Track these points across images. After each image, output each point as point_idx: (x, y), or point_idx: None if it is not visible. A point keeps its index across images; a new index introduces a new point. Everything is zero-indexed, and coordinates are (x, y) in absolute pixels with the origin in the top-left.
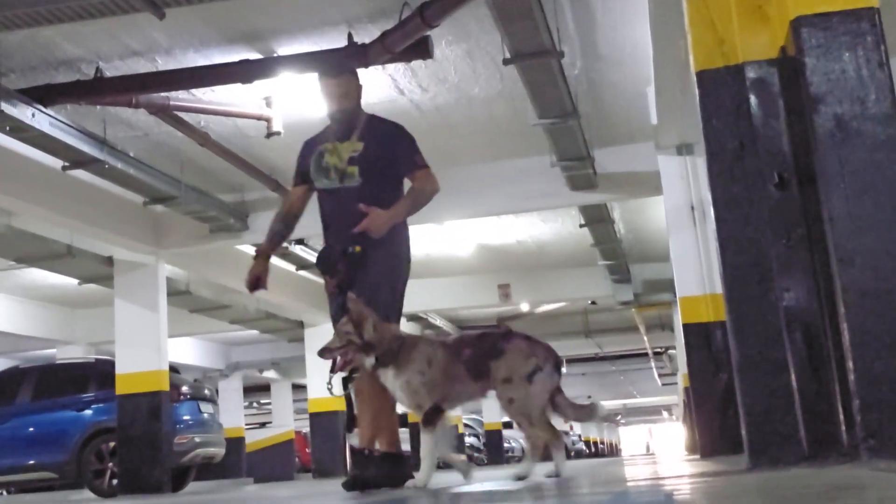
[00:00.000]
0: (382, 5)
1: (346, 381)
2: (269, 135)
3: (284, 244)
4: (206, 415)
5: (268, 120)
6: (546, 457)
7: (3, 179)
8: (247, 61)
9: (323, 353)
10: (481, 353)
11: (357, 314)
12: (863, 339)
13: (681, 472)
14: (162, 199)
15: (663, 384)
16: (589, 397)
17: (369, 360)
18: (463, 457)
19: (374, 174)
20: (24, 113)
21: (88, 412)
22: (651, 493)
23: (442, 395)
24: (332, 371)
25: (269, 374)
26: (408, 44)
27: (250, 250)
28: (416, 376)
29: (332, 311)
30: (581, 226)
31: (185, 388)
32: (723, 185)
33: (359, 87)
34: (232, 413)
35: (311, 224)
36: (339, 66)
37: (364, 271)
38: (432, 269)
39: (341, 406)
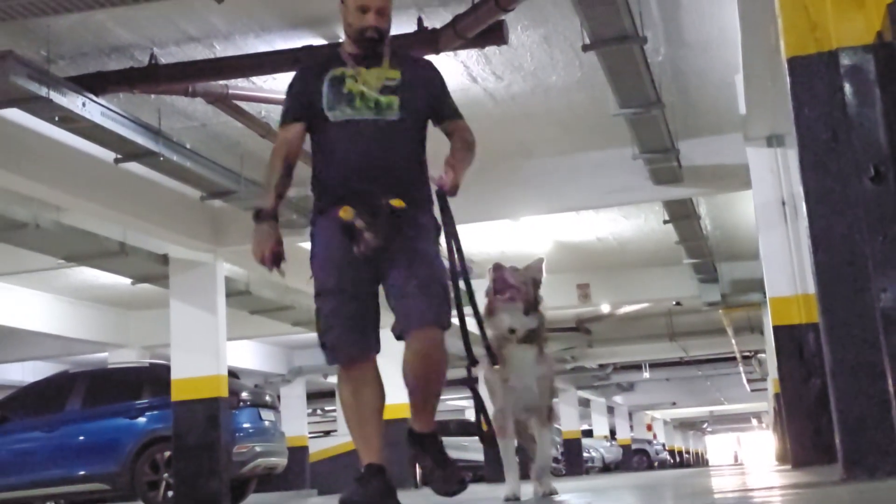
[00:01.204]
0: None
1: (468, 381)
2: None
3: None
4: (267, 422)
5: None
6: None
7: (51, 173)
8: (310, 47)
9: (498, 268)
10: None
11: (536, 270)
12: None
13: (771, 484)
14: (220, 194)
15: (752, 390)
16: (673, 403)
17: (525, 322)
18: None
19: (413, 112)
20: (74, 102)
21: (142, 420)
22: None
23: None
24: (496, 297)
25: (335, 379)
26: (481, 29)
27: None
28: (550, 368)
29: (341, 281)
30: (665, 222)
31: (244, 395)
32: (815, 178)
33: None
34: (295, 421)
35: None
36: None
37: (415, 240)
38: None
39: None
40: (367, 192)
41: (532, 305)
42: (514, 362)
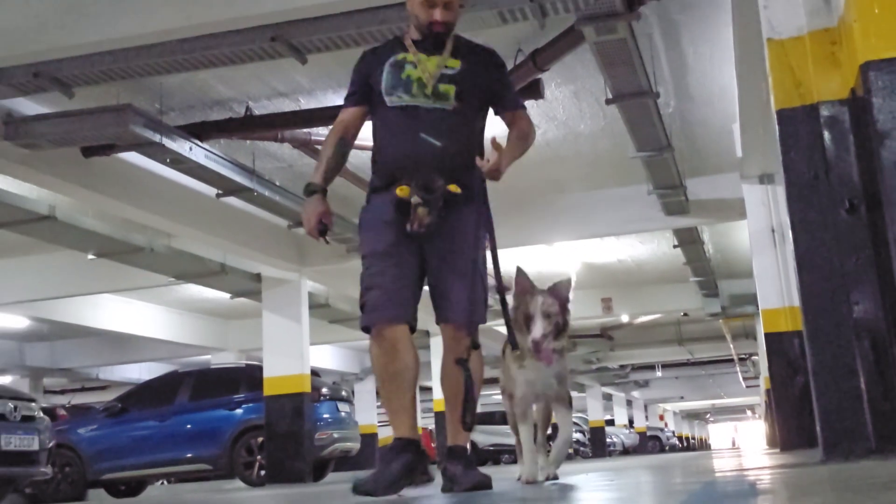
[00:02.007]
0: (499, 51)
1: (462, 362)
2: None
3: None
4: (343, 413)
5: None
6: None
7: (164, 205)
8: None
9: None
10: None
11: (565, 289)
12: None
13: (762, 465)
14: None
15: (747, 386)
16: (681, 397)
17: (557, 345)
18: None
19: (470, 101)
20: (183, 147)
21: (239, 411)
22: (736, 482)
23: None
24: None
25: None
26: (521, 85)
27: None
28: (566, 367)
29: (388, 245)
30: (674, 246)
31: (324, 390)
32: (800, 210)
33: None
34: (366, 412)
35: None
36: None
37: (462, 238)
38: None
39: None
40: (422, 172)
41: (561, 331)
42: (535, 368)
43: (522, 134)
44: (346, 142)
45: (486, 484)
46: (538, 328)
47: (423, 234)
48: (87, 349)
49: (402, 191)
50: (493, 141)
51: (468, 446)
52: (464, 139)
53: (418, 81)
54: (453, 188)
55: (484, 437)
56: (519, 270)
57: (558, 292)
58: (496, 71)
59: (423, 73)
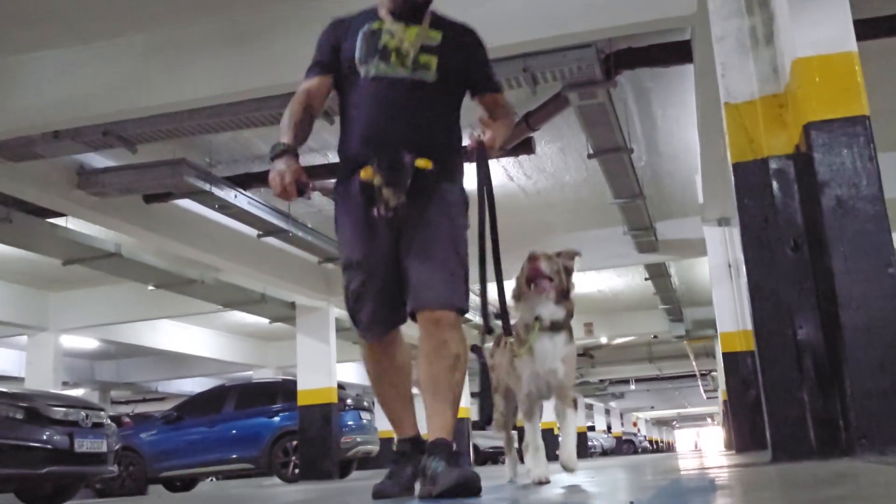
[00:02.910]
0: None
1: (476, 349)
2: None
3: None
4: (365, 420)
5: None
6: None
7: (213, 244)
8: None
9: (533, 258)
10: None
11: (567, 256)
12: (857, 364)
13: (720, 464)
14: (332, 259)
15: (707, 398)
16: (652, 407)
17: (553, 312)
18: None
19: (452, 76)
20: (229, 194)
21: (277, 419)
22: (698, 479)
23: None
24: (529, 287)
25: (415, 390)
26: (516, 143)
27: None
28: (573, 351)
29: (365, 254)
30: (646, 279)
31: (349, 401)
32: (752, 248)
33: None
34: (385, 419)
35: None
36: None
37: (439, 216)
38: None
39: (465, 413)
40: (387, 148)
41: (563, 294)
42: (538, 349)
43: (508, 117)
44: (312, 111)
45: (470, 481)
46: (537, 257)
47: (392, 217)
48: (148, 366)
49: (365, 172)
50: (482, 118)
51: (452, 442)
52: (443, 115)
53: (397, 51)
54: (424, 163)
55: (484, 440)
56: (531, 255)
57: (562, 257)
58: (478, 50)
59: (401, 42)
